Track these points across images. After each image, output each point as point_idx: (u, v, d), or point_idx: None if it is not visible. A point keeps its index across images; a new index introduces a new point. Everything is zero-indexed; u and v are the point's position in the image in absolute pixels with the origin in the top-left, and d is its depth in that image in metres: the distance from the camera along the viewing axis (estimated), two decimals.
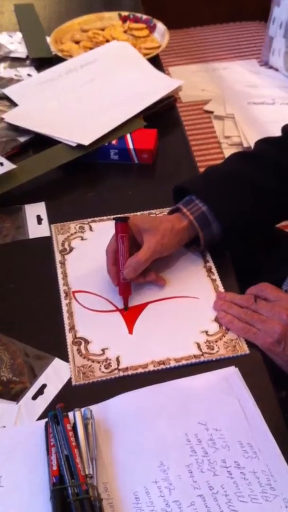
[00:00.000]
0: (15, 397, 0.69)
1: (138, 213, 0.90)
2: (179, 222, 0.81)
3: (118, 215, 0.80)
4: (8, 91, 1.17)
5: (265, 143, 0.92)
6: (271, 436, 0.64)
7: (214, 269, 0.83)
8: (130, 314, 0.78)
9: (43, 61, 1.27)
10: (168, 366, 0.72)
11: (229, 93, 2.21)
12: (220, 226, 0.82)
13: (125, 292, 0.79)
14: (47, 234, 0.91)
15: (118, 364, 0.72)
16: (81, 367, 0.72)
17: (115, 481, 0.61)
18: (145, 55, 1.25)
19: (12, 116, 1.10)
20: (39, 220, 0.93)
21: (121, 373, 0.71)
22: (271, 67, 2.37)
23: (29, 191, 0.97)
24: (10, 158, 1.01)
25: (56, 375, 0.71)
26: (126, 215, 0.81)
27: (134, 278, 0.79)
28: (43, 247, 0.89)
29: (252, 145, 0.95)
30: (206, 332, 0.75)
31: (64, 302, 0.80)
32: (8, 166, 0.97)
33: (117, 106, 1.10)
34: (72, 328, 0.77)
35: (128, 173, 1.03)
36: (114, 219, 0.80)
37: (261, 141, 0.93)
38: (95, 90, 1.15)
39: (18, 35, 1.38)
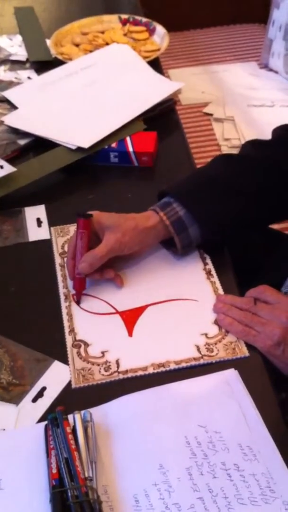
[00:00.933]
0: (15, 399, 0.69)
1: None
2: (145, 221, 0.81)
3: (82, 212, 0.81)
4: (8, 94, 1.17)
5: (251, 145, 0.91)
6: (271, 439, 0.64)
7: (213, 272, 0.84)
8: (130, 317, 0.78)
9: (43, 64, 1.28)
10: (167, 368, 0.72)
11: (228, 95, 2.21)
12: (198, 230, 0.82)
13: (79, 287, 0.80)
14: (47, 237, 0.91)
15: (118, 367, 0.72)
16: (81, 370, 0.72)
17: (115, 483, 0.61)
18: (144, 58, 1.25)
19: (12, 119, 1.10)
20: (39, 223, 0.93)
21: (121, 376, 0.71)
22: (270, 70, 2.37)
23: (29, 194, 0.98)
24: (10, 161, 1.01)
25: (56, 377, 0.71)
26: (91, 212, 0.81)
27: (91, 274, 0.79)
28: (43, 249, 0.89)
29: (240, 150, 0.95)
30: (206, 334, 0.75)
31: (64, 304, 0.80)
32: (8, 169, 0.97)
33: (117, 109, 1.10)
34: (72, 330, 0.77)
35: (128, 175, 1.03)
36: (75, 214, 0.80)
37: (248, 144, 0.92)
38: (95, 93, 1.16)
39: (18, 38, 1.38)
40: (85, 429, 0.63)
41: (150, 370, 0.72)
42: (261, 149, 0.90)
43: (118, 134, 1.05)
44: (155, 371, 0.72)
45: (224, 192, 0.84)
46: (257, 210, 0.86)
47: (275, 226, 1.03)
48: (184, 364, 0.72)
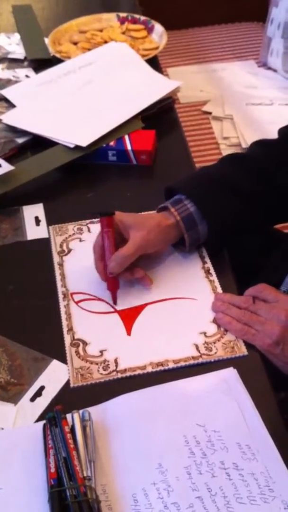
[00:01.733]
0: (13, 399, 0.69)
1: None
2: (165, 220, 0.82)
3: (104, 211, 0.80)
4: (6, 92, 1.17)
5: (258, 145, 0.92)
6: (270, 438, 0.64)
7: (212, 270, 0.83)
8: (129, 316, 0.78)
9: (41, 62, 1.27)
10: (166, 367, 0.72)
11: (227, 94, 2.21)
12: (205, 227, 0.82)
13: (113, 287, 0.79)
14: (45, 235, 0.90)
15: (116, 366, 0.72)
16: (79, 369, 0.72)
17: (114, 483, 0.61)
18: (143, 56, 1.25)
19: (10, 118, 1.10)
20: (37, 221, 0.93)
21: (120, 375, 0.71)
22: (269, 68, 2.38)
23: (27, 192, 0.97)
24: (8, 159, 1.01)
25: (54, 377, 0.71)
26: (111, 210, 0.81)
27: (121, 274, 0.79)
28: (41, 248, 0.89)
29: (247, 149, 0.95)
30: (205, 333, 0.75)
31: (62, 303, 0.80)
32: (6, 167, 0.97)
33: (115, 107, 1.10)
34: (70, 329, 0.76)
35: (126, 174, 1.02)
36: (98, 213, 0.80)
37: (255, 144, 0.93)
38: (93, 91, 1.15)
39: (16, 36, 1.38)
40: (84, 428, 0.63)
41: (149, 369, 0.71)
42: (268, 149, 0.90)
43: (116, 132, 1.05)
44: (154, 370, 0.71)
45: (232, 191, 0.84)
46: (263, 211, 0.86)
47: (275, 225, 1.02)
48: (182, 363, 0.72)
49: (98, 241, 0.80)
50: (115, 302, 0.79)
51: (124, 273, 0.79)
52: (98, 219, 0.82)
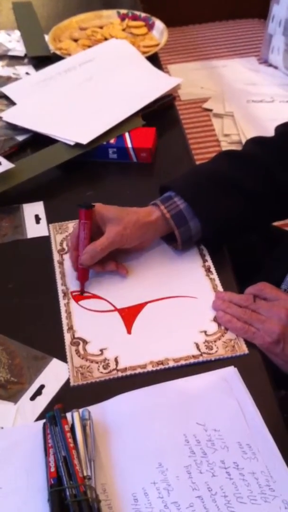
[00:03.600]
0: (13, 397, 0.69)
1: None
2: (147, 215, 0.81)
3: (84, 202, 0.81)
4: (6, 89, 1.17)
5: (255, 143, 0.91)
6: (270, 437, 0.64)
7: (212, 269, 0.83)
8: (129, 314, 0.78)
9: (42, 59, 1.27)
10: (166, 366, 0.71)
11: (228, 91, 2.21)
12: (199, 223, 0.82)
13: (82, 278, 0.81)
14: (45, 233, 0.90)
15: (116, 365, 0.72)
16: (80, 368, 0.72)
17: (114, 482, 0.61)
18: (143, 53, 1.24)
19: (10, 115, 1.10)
20: (38, 219, 0.93)
21: (120, 374, 0.71)
22: (270, 65, 2.37)
23: (27, 190, 0.97)
24: (8, 157, 1.01)
25: (54, 375, 0.71)
26: (94, 203, 0.81)
27: (93, 266, 0.80)
28: (41, 246, 0.88)
29: (242, 147, 0.94)
30: (205, 332, 0.75)
31: (62, 302, 0.80)
32: (6, 165, 0.96)
33: (115, 105, 1.09)
34: (71, 328, 0.76)
35: (126, 172, 1.02)
36: (78, 205, 0.81)
37: (249, 141, 0.92)
38: (93, 89, 1.15)
39: (16, 33, 1.37)
40: (84, 427, 0.63)
41: (149, 368, 0.71)
42: (263, 146, 0.89)
43: (116, 130, 1.04)
44: (154, 368, 0.71)
45: (225, 188, 0.83)
46: (257, 208, 0.85)
47: (274, 223, 1.02)
48: (183, 362, 0.72)
49: (75, 231, 0.82)
50: (82, 292, 0.80)
51: (96, 265, 0.80)
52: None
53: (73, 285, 0.82)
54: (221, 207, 0.82)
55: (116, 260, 0.83)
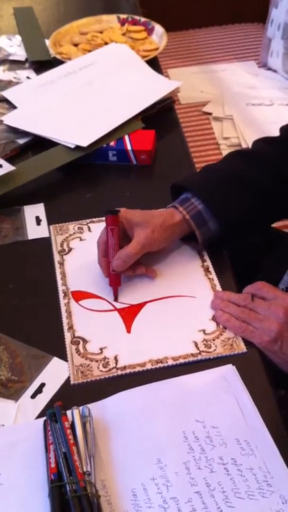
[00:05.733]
0: (14, 396, 0.70)
1: None
2: (171, 218, 0.82)
3: (109, 208, 0.82)
4: (7, 93, 1.18)
5: (263, 142, 0.93)
6: (268, 433, 0.64)
7: (211, 268, 0.84)
8: (128, 314, 0.79)
9: (42, 63, 1.28)
10: (165, 364, 0.72)
11: (227, 94, 2.22)
12: (217, 224, 0.82)
13: (115, 283, 0.80)
14: (46, 235, 0.91)
15: (116, 363, 0.73)
16: (80, 366, 0.72)
17: (113, 478, 0.61)
18: (143, 57, 1.25)
19: (11, 119, 1.11)
20: (38, 221, 0.94)
21: (119, 372, 0.72)
22: (269, 69, 2.38)
23: (28, 192, 0.98)
24: (9, 160, 1.02)
25: (54, 374, 0.72)
26: (117, 208, 0.82)
27: (124, 271, 0.80)
28: (42, 248, 0.89)
29: (251, 147, 0.95)
30: (204, 330, 0.76)
31: (62, 302, 0.80)
32: (7, 167, 0.97)
33: (115, 108, 1.10)
34: (71, 327, 0.77)
35: (126, 174, 1.03)
36: (104, 212, 0.81)
37: (259, 141, 0.93)
38: (93, 92, 1.16)
39: (17, 38, 1.39)
40: (84, 425, 0.64)
41: (148, 366, 0.72)
42: (272, 145, 0.91)
43: (116, 132, 1.05)
44: (153, 367, 0.72)
45: (240, 187, 0.85)
46: (270, 205, 0.87)
47: (273, 224, 1.03)
48: (182, 360, 0.73)
49: (102, 237, 0.82)
50: (116, 298, 0.80)
51: (127, 270, 0.80)
52: (103, 217, 0.84)
53: (74, 285, 0.83)
54: (237, 206, 0.83)
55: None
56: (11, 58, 1.32)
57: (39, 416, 0.68)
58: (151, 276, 0.82)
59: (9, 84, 1.22)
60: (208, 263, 0.85)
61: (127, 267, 0.79)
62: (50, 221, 0.93)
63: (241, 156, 0.90)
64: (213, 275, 0.83)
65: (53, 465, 0.60)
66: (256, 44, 2.49)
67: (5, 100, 1.17)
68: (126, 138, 1.04)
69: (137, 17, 1.39)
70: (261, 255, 0.98)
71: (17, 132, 1.09)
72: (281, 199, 0.88)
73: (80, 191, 1.00)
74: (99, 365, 0.73)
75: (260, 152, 0.91)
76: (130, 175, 1.03)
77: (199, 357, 0.73)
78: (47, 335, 0.77)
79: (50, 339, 0.76)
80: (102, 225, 0.91)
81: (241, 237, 0.87)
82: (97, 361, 0.73)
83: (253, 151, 0.92)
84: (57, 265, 0.86)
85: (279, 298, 0.75)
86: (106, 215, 0.80)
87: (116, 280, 0.80)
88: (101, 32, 1.36)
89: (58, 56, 1.28)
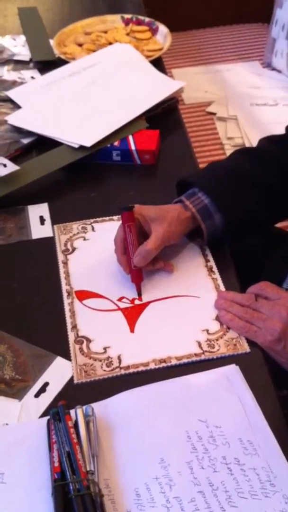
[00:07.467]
0: (17, 395, 0.70)
1: None
2: (184, 212, 0.83)
3: (124, 205, 0.82)
4: (12, 93, 1.18)
5: (269, 140, 0.93)
6: (271, 433, 0.64)
7: (215, 268, 0.84)
8: (132, 313, 0.79)
9: (46, 63, 1.28)
10: (169, 364, 0.72)
11: (232, 94, 2.21)
12: (222, 218, 0.83)
13: (137, 279, 0.81)
14: (50, 234, 0.91)
15: (119, 363, 0.73)
16: (83, 366, 0.73)
17: (116, 477, 0.62)
18: (147, 57, 1.26)
19: (16, 118, 1.11)
20: (42, 220, 0.94)
21: (123, 371, 0.72)
22: (273, 69, 2.38)
23: (32, 192, 0.98)
24: (13, 159, 1.02)
25: (58, 373, 0.72)
26: (131, 205, 0.82)
27: (144, 266, 0.81)
28: (46, 247, 0.89)
29: (256, 145, 0.96)
30: (207, 330, 0.76)
31: (66, 301, 0.81)
32: (11, 167, 0.98)
33: (119, 108, 1.11)
34: (74, 327, 0.77)
35: (130, 174, 1.03)
36: (120, 208, 0.81)
37: (264, 139, 0.94)
38: (97, 92, 1.16)
39: (22, 38, 1.39)
40: (87, 424, 0.64)
41: (152, 366, 0.72)
42: (277, 143, 0.91)
43: (120, 132, 1.06)
44: (157, 366, 0.72)
45: (245, 183, 0.85)
46: (274, 203, 0.87)
47: (277, 224, 1.03)
48: (185, 360, 0.73)
49: (120, 234, 0.82)
50: (139, 294, 0.80)
51: (147, 265, 0.81)
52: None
53: (77, 285, 0.83)
54: (242, 202, 0.84)
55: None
56: (15, 58, 1.33)
57: (43, 415, 0.68)
58: (169, 270, 0.83)
59: (13, 84, 1.23)
60: (212, 263, 0.85)
61: (147, 262, 0.80)
62: (54, 221, 0.93)
63: (246, 154, 0.91)
64: (217, 275, 0.83)
65: (56, 464, 0.60)
66: (260, 44, 2.48)
67: (9, 100, 1.17)
68: (130, 138, 1.04)
69: (141, 17, 1.39)
70: (265, 255, 0.98)
71: (21, 132, 1.09)
72: (286, 197, 0.88)
73: (84, 191, 1.00)
74: (103, 364, 0.73)
75: (265, 150, 0.91)
76: (134, 175, 1.03)
77: (203, 357, 0.73)
78: (50, 334, 0.77)
79: (54, 339, 0.76)
80: (106, 224, 0.91)
81: (244, 233, 0.87)
82: (100, 360, 0.73)
83: (258, 149, 0.92)
84: (61, 265, 0.86)
85: (283, 298, 0.75)
86: (122, 212, 0.81)
87: (138, 275, 0.81)
88: (105, 32, 1.36)
89: (63, 56, 1.28)
